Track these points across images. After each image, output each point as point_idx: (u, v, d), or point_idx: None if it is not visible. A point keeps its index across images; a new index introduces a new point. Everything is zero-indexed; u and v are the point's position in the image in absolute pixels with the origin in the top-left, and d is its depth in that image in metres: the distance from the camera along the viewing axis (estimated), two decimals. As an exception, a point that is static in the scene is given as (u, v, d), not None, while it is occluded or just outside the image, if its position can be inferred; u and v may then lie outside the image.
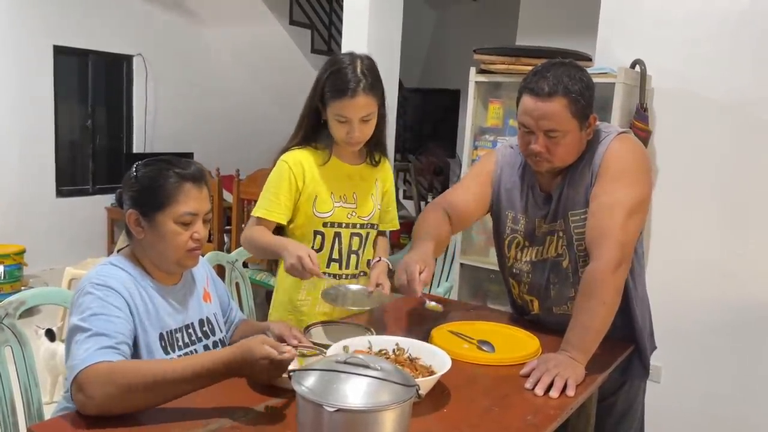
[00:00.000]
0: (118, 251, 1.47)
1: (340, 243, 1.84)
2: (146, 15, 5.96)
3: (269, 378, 1.21)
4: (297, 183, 1.79)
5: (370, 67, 1.73)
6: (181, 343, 1.43)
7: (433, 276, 1.53)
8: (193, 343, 1.46)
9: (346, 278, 1.87)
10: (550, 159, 1.59)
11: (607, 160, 1.59)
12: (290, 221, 1.84)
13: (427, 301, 1.57)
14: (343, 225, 1.84)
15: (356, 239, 1.87)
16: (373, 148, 1.89)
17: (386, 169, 1.96)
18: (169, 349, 1.40)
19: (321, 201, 1.81)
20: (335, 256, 1.85)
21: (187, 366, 1.16)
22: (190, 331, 1.47)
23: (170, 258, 1.40)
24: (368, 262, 1.91)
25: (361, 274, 1.92)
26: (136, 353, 1.33)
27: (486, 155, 1.90)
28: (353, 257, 1.87)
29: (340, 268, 1.86)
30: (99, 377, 1.13)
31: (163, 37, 6.11)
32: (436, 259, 1.61)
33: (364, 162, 1.90)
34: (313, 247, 1.81)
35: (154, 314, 1.38)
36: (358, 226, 1.86)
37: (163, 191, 1.37)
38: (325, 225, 1.82)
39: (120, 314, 1.28)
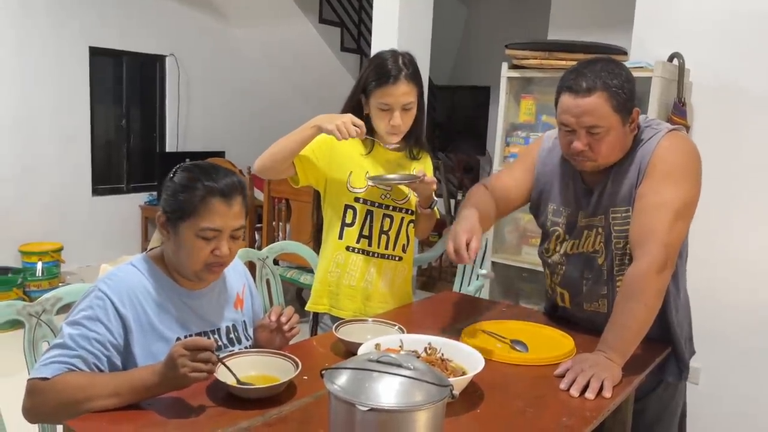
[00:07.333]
0: (150, 250, 1.46)
1: (371, 221, 1.87)
2: (178, 16, 6.04)
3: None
4: (324, 148, 1.82)
5: (411, 60, 1.84)
6: None
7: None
8: (218, 349, 1.41)
9: (374, 256, 1.89)
10: (593, 157, 1.55)
11: (656, 158, 1.54)
12: (324, 192, 1.90)
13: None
14: (376, 204, 1.87)
15: (388, 220, 1.89)
16: (412, 143, 1.93)
17: (426, 163, 1.98)
18: None
19: (356, 177, 1.85)
20: (365, 232, 1.88)
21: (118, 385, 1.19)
22: (216, 336, 1.44)
23: (188, 269, 1.38)
24: (403, 246, 1.93)
25: (393, 257, 1.92)
26: (129, 360, 1.31)
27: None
28: (383, 237, 1.89)
29: (370, 245, 1.89)
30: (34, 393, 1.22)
31: (195, 37, 6.19)
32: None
33: (403, 153, 1.94)
34: (344, 221, 1.87)
35: (168, 319, 1.37)
36: (390, 208, 1.89)
37: (189, 202, 1.33)
38: (357, 200, 1.86)
39: (99, 329, 1.27)
